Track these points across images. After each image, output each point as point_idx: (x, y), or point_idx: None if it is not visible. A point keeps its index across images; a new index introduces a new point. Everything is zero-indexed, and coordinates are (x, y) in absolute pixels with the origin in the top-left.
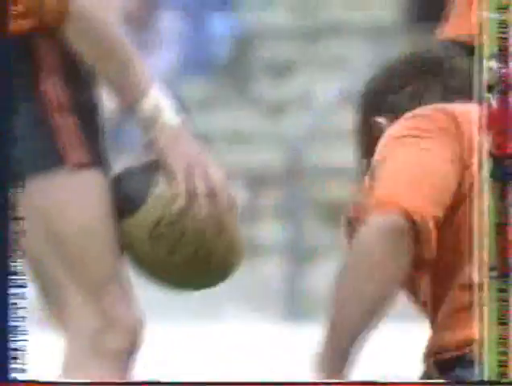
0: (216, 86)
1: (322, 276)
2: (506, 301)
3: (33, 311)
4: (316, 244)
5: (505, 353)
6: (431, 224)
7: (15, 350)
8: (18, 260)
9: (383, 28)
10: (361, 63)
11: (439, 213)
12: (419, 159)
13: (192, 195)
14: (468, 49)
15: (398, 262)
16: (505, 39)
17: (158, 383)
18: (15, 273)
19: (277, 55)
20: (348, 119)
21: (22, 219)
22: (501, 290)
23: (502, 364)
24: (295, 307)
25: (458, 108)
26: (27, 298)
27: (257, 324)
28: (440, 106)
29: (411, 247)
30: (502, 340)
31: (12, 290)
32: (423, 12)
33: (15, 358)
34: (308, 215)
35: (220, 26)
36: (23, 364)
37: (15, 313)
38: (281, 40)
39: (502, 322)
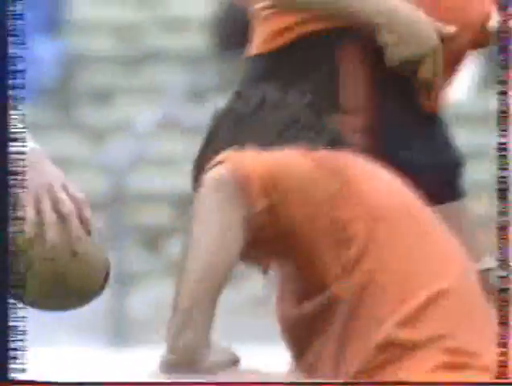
0: (40, 111)
1: (144, 300)
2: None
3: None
4: (138, 269)
5: (504, 353)
6: (255, 184)
7: (15, 350)
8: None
9: (198, 55)
10: (179, 89)
11: (271, 183)
12: (288, 155)
13: (40, 224)
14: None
15: (227, 214)
16: None
17: (158, 383)
18: (15, 273)
19: (100, 81)
20: (167, 146)
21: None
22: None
23: (502, 365)
24: (119, 332)
25: (349, 161)
26: None
27: (82, 349)
28: (328, 160)
29: (240, 203)
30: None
31: (12, 290)
32: (234, 39)
33: (15, 358)
34: (130, 241)
35: (46, 50)
36: (23, 364)
37: (15, 313)
38: (104, 66)
39: (502, 322)
